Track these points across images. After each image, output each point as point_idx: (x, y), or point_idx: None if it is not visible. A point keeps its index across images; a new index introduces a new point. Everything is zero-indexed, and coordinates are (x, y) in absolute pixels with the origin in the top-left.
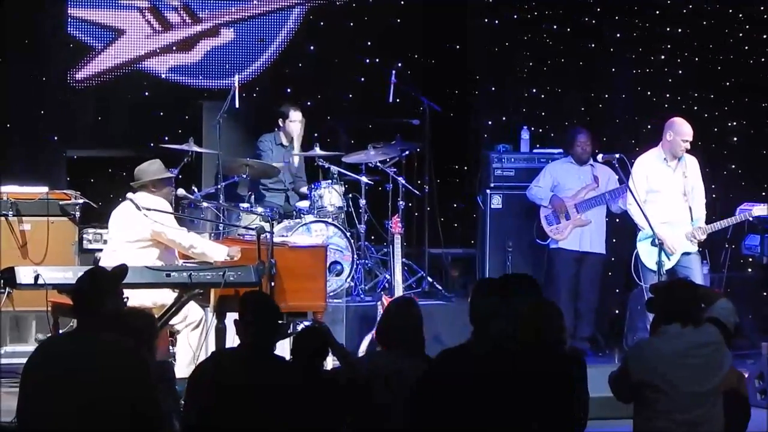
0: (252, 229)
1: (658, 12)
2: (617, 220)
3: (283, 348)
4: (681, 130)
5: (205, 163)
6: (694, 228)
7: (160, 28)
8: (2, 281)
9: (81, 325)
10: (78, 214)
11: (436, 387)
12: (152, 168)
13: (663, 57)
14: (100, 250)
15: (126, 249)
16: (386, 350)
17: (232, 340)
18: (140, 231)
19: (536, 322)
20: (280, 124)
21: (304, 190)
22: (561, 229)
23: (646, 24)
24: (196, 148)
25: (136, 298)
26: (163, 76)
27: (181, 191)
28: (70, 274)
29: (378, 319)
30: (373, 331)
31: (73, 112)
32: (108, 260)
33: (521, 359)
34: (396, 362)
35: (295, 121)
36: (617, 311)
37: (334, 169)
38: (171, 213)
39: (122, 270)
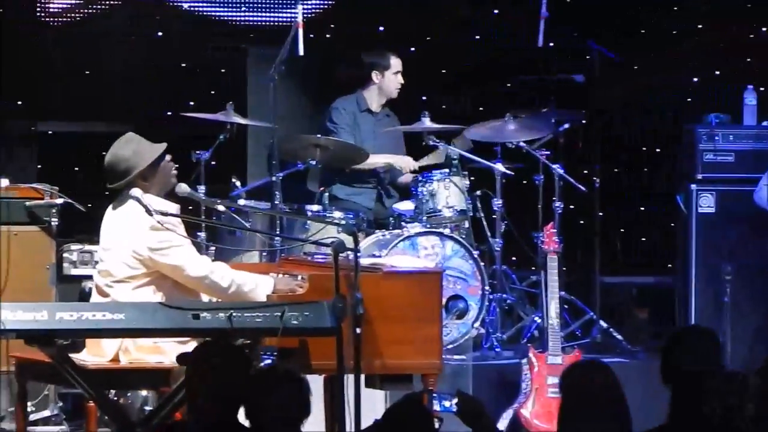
0: (326, 245)
1: None
2: None
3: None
4: None
5: (252, 143)
6: None
7: None
8: None
9: None
10: (56, 221)
11: None
12: (141, 148)
13: None
14: (89, 276)
15: (118, 291)
16: None
17: None
18: (139, 259)
19: None
20: (374, 79)
21: (403, 180)
22: None
23: None
24: (238, 119)
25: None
26: (185, 6)
27: (182, 187)
28: (43, 314)
29: (522, 384)
30: (515, 406)
31: (45, 63)
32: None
33: None
34: None
35: (398, 73)
36: None
37: (453, 151)
38: (201, 221)
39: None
